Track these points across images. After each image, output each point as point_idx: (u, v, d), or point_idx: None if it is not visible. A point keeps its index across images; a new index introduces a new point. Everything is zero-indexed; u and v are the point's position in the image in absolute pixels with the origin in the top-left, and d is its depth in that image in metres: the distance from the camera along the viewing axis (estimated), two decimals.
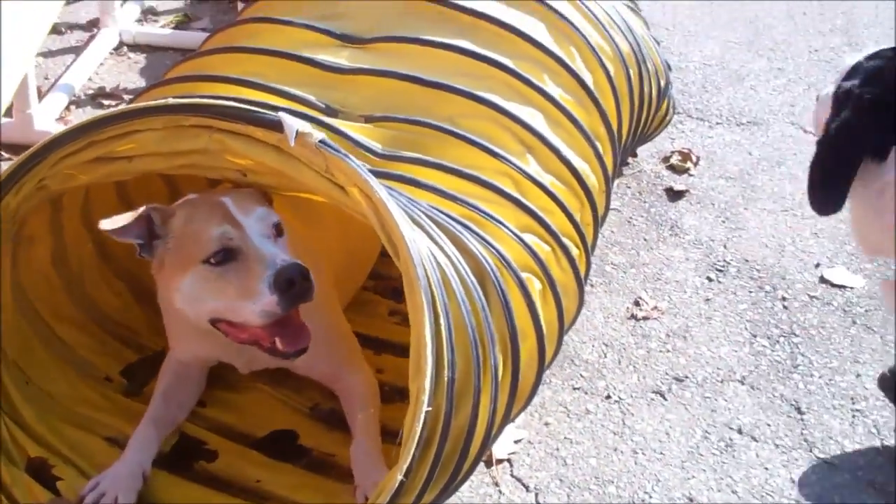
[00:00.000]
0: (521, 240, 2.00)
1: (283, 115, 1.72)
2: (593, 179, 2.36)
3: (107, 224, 1.88)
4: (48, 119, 3.25)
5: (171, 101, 1.81)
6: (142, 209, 1.91)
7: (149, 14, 4.12)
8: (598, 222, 2.40)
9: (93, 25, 3.95)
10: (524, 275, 1.96)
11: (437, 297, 1.68)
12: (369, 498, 1.73)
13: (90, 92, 3.54)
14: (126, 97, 3.48)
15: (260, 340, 1.88)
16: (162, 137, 1.83)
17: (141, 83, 3.62)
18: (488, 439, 1.86)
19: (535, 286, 2.00)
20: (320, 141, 1.71)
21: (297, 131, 1.70)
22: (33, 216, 2.09)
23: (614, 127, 2.51)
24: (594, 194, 2.33)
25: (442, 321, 1.67)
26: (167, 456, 2.07)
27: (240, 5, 3.25)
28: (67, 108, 3.40)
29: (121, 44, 3.86)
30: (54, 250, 2.25)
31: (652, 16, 4.16)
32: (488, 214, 1.98)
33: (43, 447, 2.02)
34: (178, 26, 4.06)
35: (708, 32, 4.24)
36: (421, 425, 1.62)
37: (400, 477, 1.61)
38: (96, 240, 2.35)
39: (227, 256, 1.84)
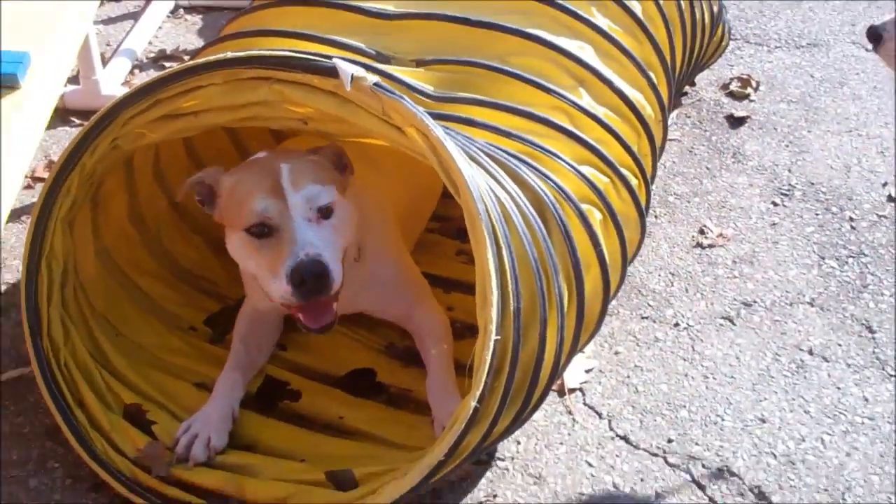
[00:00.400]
0: (579, 171, 2.02)
1: (337, 61, 1.76)
2: (648, 110, 2.36)
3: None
4: (114, 83, 3.32)
5: (229, 55, 1.86)
6: (195, 177, 1.98)
7: None
8: (655, 152, 2.41)
9: None
10: (584, 206, 1.99)
11: (499, 230, 1.72)
12: (445, 427, 1.78)
13: (151, 55, 3.60)
14: (186, 58, 3.53)
15: (289, 312, 1.94)
16: (224, 91, 1.89)
17: (199, 43, 3.68)
18: (557, 367, 1.90)
19: (596, 217, 2.02)
20: (375, 84, 1.75)
21: (351, 76, 1.75)
22: (109, 177, 2.17)
23: (667, 56, 2.50)
24: (650, 124, 2.34)
25: (504, 253, 1.71)
26: (254, 397, 2.16)
27: None
28: (131, 71, 3.48)
29: (177, 7, 3.91)
30: (130, 208, 2.34)
31: None
32: (544, 148, 2.00)
33: (137, 394, 2.12)
34: None
35: None
36: (490, 354, 1.67)
37: (474, 404, 1.67)
38: (170, 197, 2.42)
39: (264, 231, 1.88)
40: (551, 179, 1.95)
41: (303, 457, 2.01)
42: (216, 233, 2.36)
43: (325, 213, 1.91)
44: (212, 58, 1.86)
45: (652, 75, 2.39)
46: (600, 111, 2.19)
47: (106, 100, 3.10)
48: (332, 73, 1.76)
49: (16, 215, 2.75)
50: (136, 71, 3.50)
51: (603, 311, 2.06)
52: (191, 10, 3.89)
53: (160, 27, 3.76)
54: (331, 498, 1.87)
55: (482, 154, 1.87)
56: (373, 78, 1.75)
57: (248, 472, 1.96)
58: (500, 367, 1.72)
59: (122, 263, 2.32)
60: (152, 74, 3.44)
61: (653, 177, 2.44)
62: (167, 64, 3.51)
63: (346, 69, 1.75)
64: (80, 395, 2.05)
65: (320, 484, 1.90)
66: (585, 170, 2.05)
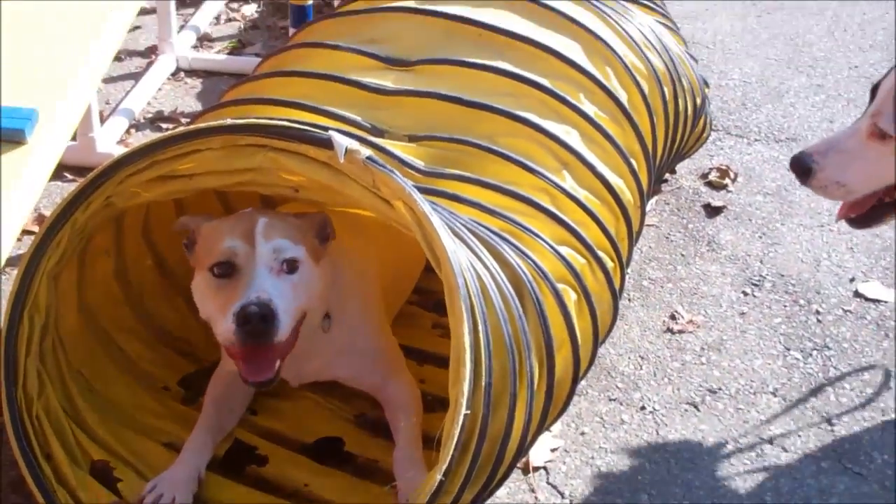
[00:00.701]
0: (557, 252, 2.10)
1: (332, 134, 1.85)
2: (628, 195, 2.45)
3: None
4: (110, 142, 3.40)
5: (228, 121, 1.94)
6: (183, 219, 2.07)
7: (204, 41, 4.27)
8: (632, 237, 2.49)
9: (151, 52, 4.11)
10: (560, 286, 2.06)
11: (476, 306, 1.79)
12: (409, 499, 1.83)
13: (149, 116, 3.69)
14: (183, 120, 3.63)
15: (234, 359, 1.98)
16: (220, 156, 1.96)
17: (197, 107, 3.77)
18: (524, 443, 1.96)
19: (571, 297, 2.10)
20: (367, 157, 1.83)
21: (346, 148, 1.83)
22: (99, 233, 2.23)
23: (649, 144, 2.59)
24: (629, 209, 2.42)
25: (480, 329, 1.77)
26: (221, 460, 2.20)
27: (290, 31, 3.38)
28: (128, 131, 3.56)
29: (178, 69, 4.01)
30: (117, 266, 2.40)
31: (693, 34, 4.27)
32: (526, 227, 2.08)
33: (106, 451, 2.15)
34: (232, 52, 4.21)
35: (748, 50, 4.31)
36: (459, 428, 1.72)
37: (439, 477, 1.72)
38: (156, 257, 2.49)
39: (226, 271, 1.95)
40: (530, 258, 2.03)
41: None
42: None
43: (290, 267, 1.97)
44: (211, 123, 1.94)
45: (633, 162, 2.48)
46: (581, 194, 2.27)
47: (101, 157, 3.20)
48: (327, 144, 1.84)
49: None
50: (133, 130, 3.58)
51: (572, 391, 2.13)
52: (191, 73, 3.99)
53: (160, 88, 3.86)
54: None
55: (465, 230, 1.95)
56: (366, 152, 1.83)
57: None
58: (468, 440, 1.77)
59: (103, 320, 2.37)
60: (148, 134, 3.56)
61: (628, 260, 2.52)
62: (164, 125, 3.61)
63: (341, 142, 1.83)
64: (48, 448, 2.08)
65: None
66: (564, 250, 2.13)
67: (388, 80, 2.29)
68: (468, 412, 1.74)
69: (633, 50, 2.65)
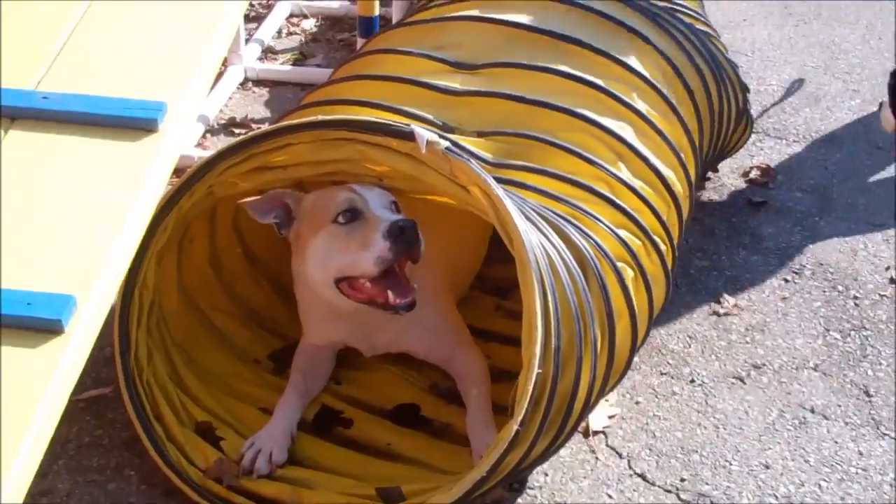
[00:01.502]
0: (616, 234, 2.30)
1: (415, 127, 2.06)
2: (678, 186, 2.63)
3: (248, 202, 2.29)
4: (189, 145, 3.65)
5: (319, 117, 2.17)
6: (274, 191, 2.31)
7: (269, 53, 4.52)
8: (682, 223, 2.68)
9: (221, 64, 4.36)
10: (619, 264, 2.26)
11: (546, 278, 1.99)
12: (487, 451, 2.04)
13: (222, 122, 3.94)
14: (254, 126, 3.87)
15: (374, 297, 2.22)
16: (311, 149, 2.19)
17: (266, 114, 4.01)
18: (588, 402, 2.17)
19: (629, 274, 2.30)
20: (446, 148, 2.04)
21: (427, 140, 2.04)
22: (195, 222, 2.46)
23: (696, 139, 2.79)
24: (679, 199, 2.61)
25: (550, 298, 1.98)
26: (310, 423, 2.42)
27: (358, 41, 3.61)
28: (204, 135, 3.81)
29: (246, 79, 4.26)
30: (210, 253, 2.63)
31: (732, 44, 4.46)
32: (586, 211, 2.28)
33: (208, 413, 2.39)
34: (296, 63, 4.45)
35: (786, 58, 4.50)
36: (532, 385, 1.93)
37: (516, 427, 1.93)
38: (244, 247, 2.73)
39: (352, 216, 2.21)
40: (592, 238, 2.23)
41: (354, 475, 2.26)
42: (282, 279, 2.69)
43: (396, 207, 2.26)
44: (303, 120, 2.17)
45: (682, 155, 2.67)
46: (636, 184, 2.46)
47: (182, 159, 3.44)
48: (410, 137, 2.06)
49: None
50: (208, 135, 3.83)
51: (630, 358, 2.33)
52: (258, 83, 4.24)
53: (230, 97, 4.11)
54: None
55: (534, 213, 2.16)
56: (444, 143, 2.05)
57: (305, 485, 2.21)
58: (540, 397, 1.99)
59: (200, 301, 2.60)
60: (223, 139, 3.81)
61: (679, 245, 2.71)
62: (236, 130, 3.85)
63: (423, 134, 2.05)
64: (158, 410, 2.32)
65: (371, 498, 2.15)
66: (622, 233, 2.33)
67: (456, 82, 2.47)
68: (540, 371, 1.95)
69: (680, 53, 2.84)
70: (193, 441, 2.30)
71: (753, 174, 3.62)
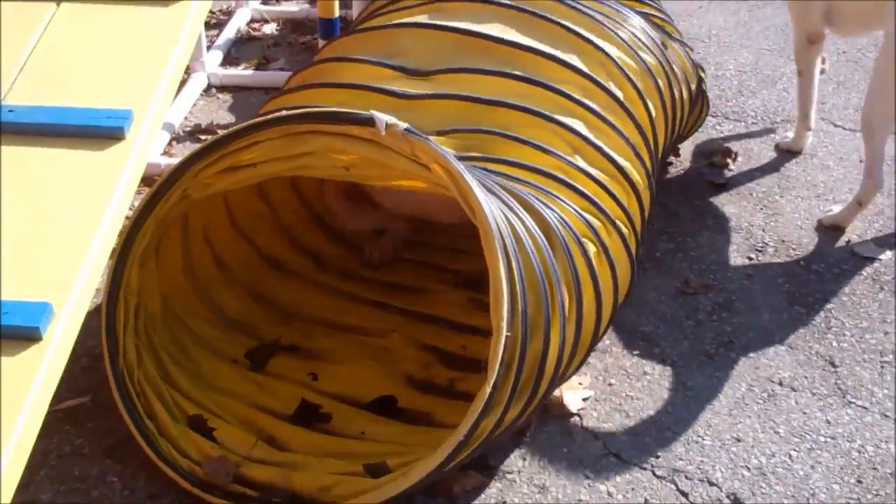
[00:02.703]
0: (578, 212, 2.35)
1: (374, 112, 2.12)
2: (636, 175, 2.66)
3: None
4: (155, 153, 3.67)
5: (284, 112, 2.21)
6: None
7: (231, 59, 4.55)
8: (644, 213, 2.72)
9: (184, 71, 4.37)
10: (582, 239, 2.32)
11: (509, 243, 2.06)
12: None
13: (188, 129, 3.96)
14: (219, 132, 3.86)
15: None
16: (280, 144, 2.24)
17: (231, 119, 4.04)
18: (559, 367, 2.22)
19: (591, 248, 2.34)
20: (405, 129, 2.11)
21: (386, 123, 2.10)
22: (168, 230, 2.49)
23: (648, 134, 2.80)
24: (639, 188, 2.64)
25: (513, 263, 2.04)
26: (290, 417, 2.46)
27: (320, 42, 3.63)
28: (170, 143, 3.83)
29: (209, 86, 4.28)
30: (184, 261, 2.67)
31: (689, 31, 4.54)
32: (549, 192, 2.34)
33: (199, 407, 2.43)
34: (259, 67, 4.48)
35: (742, 42, 4.58)
36: (502, 348, 2.00)
37: (489, 389, 1.99)
38: (215, 254, 2.78)
39: None
40: (556, 212, 2.29)
41: (339, 457, 2.31)
42: (254, 285, 2.81)
43: None
44: (270, 116, 2.21)
45: (637, 148, 2.71)
46: (594, 172, 2.52)
47: (148, 167, 3.46)
48: (370, 122, 2.12)
49: None
50: (174, 143, 3.85)
51: (596, 331, 2.39)
52: (222, 89, 4.26)
53: (195, 104, 4.13)
54: (368, 484, 2.16)
55: (496, 186, 2.21)
56: (403, 124, 2.11)
57: (294, 468, 2.26)
58: (511, 360, 2.04)
59: (175, 307, 2.63)
60: (189, 146, 3.83)
61: (642, 234, 2.76)
62: (202, 137, 3.87)
63: (382, 118, 2.11)
64: (150, 408, 2.36)
65: (358, 474, 2.20)
66: (583, 214, 2.38)
67: (410, 87, 2.52)
68: (509, 334, 2.01)
69: (625, 52, 2.85)
70: (187, 435, 2.34)
71: (714, 157, 3.68)
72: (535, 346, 2.11)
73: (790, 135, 3.75)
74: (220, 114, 4.08)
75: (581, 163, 2.50)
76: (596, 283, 2.31)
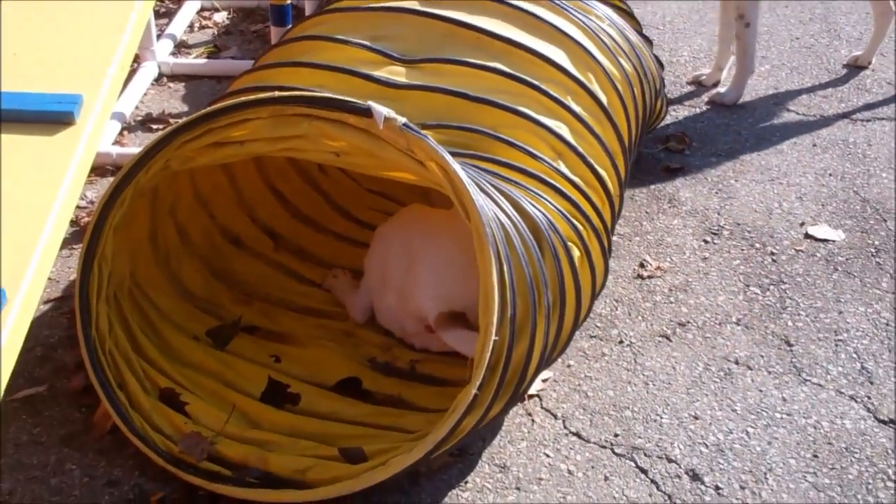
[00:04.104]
0: (564, 215, 2.34)
1: (372, 104, 2.09)
2: (611, 185, 2.66)
3: None
4: (105, 143, 3.63)
5: (277, 93, 2.18)
6: None
7: (181, 47, 4.50)
8: (615, 220, 2.74)
9: (134, 61, 4.33)
10: (568, 243, 2.32)
11: (501, 249, 2.05)
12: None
13: (139, 118, 3.91)
14: (172, 121, 3.85)
15: None
16: (269, 125, 2.20)
17: (183, 108, 4.00)
18: (541, 365, 2.24)
19: (576, 253, 2.34)
20: (403, 124, 2.08)
21: (384, 116, 2.08)
22: (137, 200, 2.43)
23: (626, 142, 2.82)
24: (613, 197, 2.65)
25: (505, 269, 2.04)
26: (259, 398, 2.44)
27: (273, 31, 3.61)
28: (121, 133, 3.79)
29: (160, 75, 4.24)
30: (150, 230, 2.64)
31: (644, 17, 4.56)
32: (537, 194, 2.32)
33: (169, 380, 2.42)
34: (210, 56, 4.44)
35: (696, 29, 4.62)
36: (489, 352, 1.99)
37: (474, 391, 1.99)
38: (178, 226, 2.74)
39: None
40: (544, 214, 2.28)
41: (314, 437, 2.31)
42: (216, 261, 2.78)
43: None
44: (263, 96, 2.18)
45: (614, 158, 2.69)
46: (575, 180, 2.50)
47: (100, 157, 3.43)
48: (367, 113, 2.09)
49: None
50: (126, 132, 3.81)
51: (573, 332, 2.41)
52: (173, 78, 4.22)
53: (146, 93, 4.09)
54: (344, 470, 2.15)
55: (489, 185, 2.20)
56: (401, 119, 2.08)
57: (269, 448, 2.26)
58: (496, 363, 2.04)
59: (139, 278, 2.60)
60: (140, 135, 3.79)
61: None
62: (154, 126, 3.83)
63: (381, 111, 2.08)
64: (122, 378, 2.35)
65: (333, 458, 2.20)
66: (569, 216, 2.39)
67: (395, 75, 2.46)
68: (496, 339, 2.01)
69: (608, 57, 2.85)
70: (159, 408, 2.33)
71: (670, 142, 3.71)
72: (521, 348, 2.11)
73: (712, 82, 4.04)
74: (171, 103, 4.04)
75: (563, 168, 2.48)
76: (578, 287, 2.32)
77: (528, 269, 2.14)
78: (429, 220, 2.66)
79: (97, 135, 2.06)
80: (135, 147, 3.63)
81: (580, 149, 2.54)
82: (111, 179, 2.30)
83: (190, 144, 2.25)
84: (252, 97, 2.20)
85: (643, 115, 3.10)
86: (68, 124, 2.00)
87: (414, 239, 2.58)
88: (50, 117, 2.01)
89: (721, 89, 3.99)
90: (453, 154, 2.26)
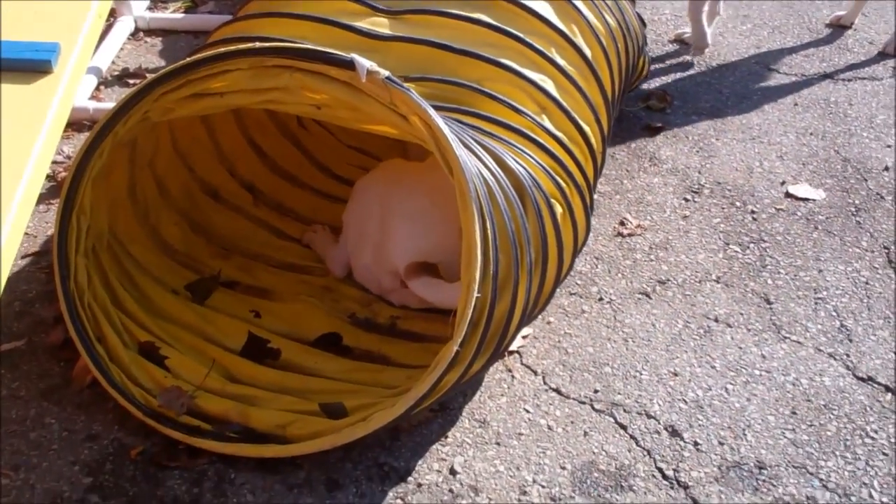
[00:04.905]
0: (547, 171, 2.33)
1: (355, 56, 2.06)
2: (594, 141, 2.64)
3: None
4: (82, 97, 3.58)
5: (258, 44, 2.13)
6: None
7: (158, 2, 4.45)
8: (598, 176, 2.72)
9: (110, 15, 4.27)
10: (551, 200, 2.30)
11: (485, 205, 2.03)
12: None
13: (116, 73, 3.87)
14: (148, 76, 3.78)
15: None
16: (249, 76, 2.16)
17: (160, 63, 3.95)
18: (523, 322, 2.24)
19: (558, 210, 2.33)
20: (387, 77, 2.04)
21: (367, 69, 2.04)
22: (116, 150, 2.39)
23: (609, 97, 2.82)
24: (596, 153, 2.63)
25: (489, 224, 2.02)
26: (239, 353, 2.44)
27: None
28: (97, 87, 3.74)
29: (137, 30, 4.19)
30: (129, 182, 2.61)
31: None
32: (520, 149, 2.30)
33: (149, 333, 2.41)
34: (187, 11, 4.39)
35: None
36: (471, 309, 1.99)
37: (455, 348, 1.99)
38: (157, 179, 2.71)
39: None
40: (527, 170, 2.27)
41: (295, 392, 2.30)
42: (194, 215, 2.76)
43: None
44: (243, 46, 2.13)
45: (598, 112, 2.67)
46: (559, 135, 2.49)
47: (76, 112, 3.40)
48: (350, 65, 2.05)
49: None
50: (102, 87, 3.76)
51: (554, 289, 2.40)
52: (150, 32, 4.17)
53: (122, 48, 4.04)
54: (325, 426, 2.15)
55: (473, 141, 2.18)
56: (384, 72, 2.04)
57: (250, 403, 2.25)
58: (478, 320, 2.03)
59: (117, 230, 2.58)
60: (118, 90, 3.75)
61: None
62: (131, 81, 3.79)
63: (364, 63, 2.04)
64: (101, 331, 2.33)
65: (315, 414, 2.20)
66: (552, 173, 2.37)
67: (378, 26, 2.43)
68: (479, 295, 2.00)
69: (592, 11, 2.81)
70: (138, 362, 2.32)
71: (651, 100, 3.70)
72: (503, 305, 2.10)
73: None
74: (148, 58, 3.99)
75: (547, 123, 2.46)
76: (560, 244, 2.31)
77: (510, 225, 2.12)
78: (405, 174, 2.65)
79: (74, 84, 2.03)
80: (111, 102, 3.59)
81: (564, 104, 2.52)
82: (87, 134, 2.27)
83: (169, 96, 2.21)
84: (232, 48, 2.15)
85: (626, 71, 3.09)
86: (45, 73, 1.98)
87: (391, 193, 2.57)
88: (27, 66, 1.99)
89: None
90: (436, 108, 2.23)
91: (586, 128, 2.59)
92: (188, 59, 2.18)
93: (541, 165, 2.34)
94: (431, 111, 2.05)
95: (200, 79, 2.19)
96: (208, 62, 2.15)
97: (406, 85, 2.16)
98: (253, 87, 2.18)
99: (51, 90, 1.97)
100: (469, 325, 2.00)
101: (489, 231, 2.02)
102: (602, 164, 2.79)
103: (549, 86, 2.52)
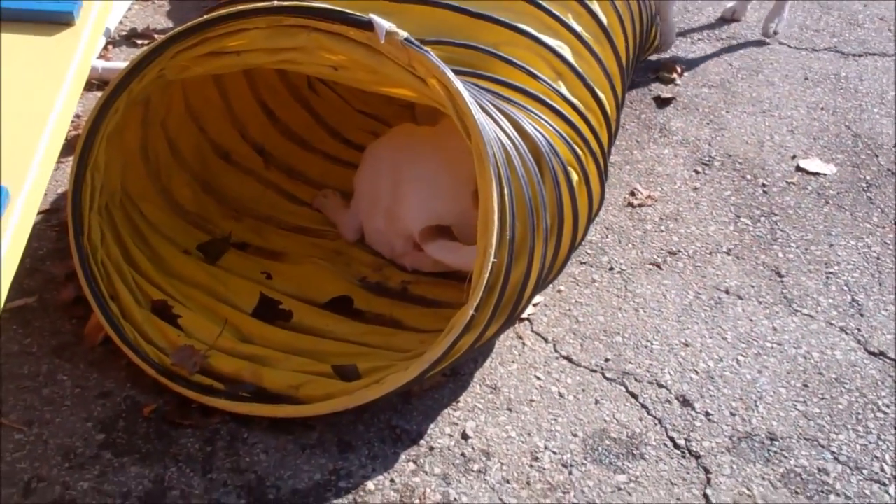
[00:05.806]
0: (564, 137, 2.32)
1: (374, 17, 2.03)
2: (608, 108, 2.62)
3: None
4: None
5: (275, 3, 2.10)
6: None
7: None
8: (612, 143, 2.71)
9: None
10: (567, 167, 2.30)
11: (502, 170, 2.02)
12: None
13: (124, 33, 3.84)
14: (156, 36, 3.78)
15: None
16: (266, 35, 2.13)
17: (168, 24, 3.93)
18: (537, 288, 2.24)
19: (574, 177, 2.33)
20: (405, 39, 2.02)
21: (386, 30, 2.02)
22: (129, 109, 2.37)
23: (624, 63, 2.80)
24: (611, 120, 2.62)
25: (506, 191, 2.01)
26: (251, 314, 2.43)
27: None
28: (106, 47, 3.71)
29: None
30: (141, 141, 2.60)
31: None
32: (537, 115, 2.29)
33: (161, 292, 2.40)
34: None
35: None
36: (487, 273, 1.98)
37: (471, 312, 1.98)
38: (169, 140, 2.70)
39: None
40: (544, 136, 2.26)
41: (307, 353, 2.30)
42: (206, 176, 2.75)
43: None
44: (261, 5, 2.10)
45: (612, 79, 2.68)
46: (575, 101, 2.48)
47: None
48: (368, 26, 2.02)
49: None
50: (111, 46, 3.73)
51: (568, 256, 2.40)
52: None
53: (130, 9, 4.01)
54: (338, 387, 2.15)
55: (491, 105, 2.16)
56: (403, 33, 2.01)
57: (262, 363, 2.25)
58: (494, 285, 2.03)
59: (129, 188, 2.57)
60: (126, 50, 3.72)
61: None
62: (139, 41, 3.76)
63: (382, 24, 2.01)
64: (114, 289, 2.33)
65: (328, 375, 2.20)
66: (568, 139, 2.36)
67: None
68: (495, 260, 2.00)
69: None
70: (151, 320, 2.32)
71: (661, 71, 3.68)
72: (519, 270, 2.10)
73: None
74: (156, 18, 3.96)
75: (563, 89, 2.44)
76: (576, 211, 2.30)
77: (527, 191, 2.12)
78: (417, 138, 2.65)
79: (96, 37, 2.02)
80: (120, 62, 3.56)
81: (580, 70, 2.50)
82: (97, 94, 2.26)
83: (185, 53, 2.19)
84: (250, 6, 2.13)
85: (640, 38, 3.07)
86: (68, 25, 1.96)
87: (402, 158, 2.56)
88: (50, 17, 1.97)
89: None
90: (455, 71, 2.23)
91: (601, 95, 2.58)
92: (205, 16, 2.16)
93: (557, 131, 2.33)
94: (450, 73, 2.03)
95: (217, 37, 2.16)
96: (225, 20, 2.13)
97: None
98: (270, 47, 2.16)
99: (73, 42, 1.95)
100: (485, 289, 2.00)
101: (506, 196, 2.02)
102: (616, 131, 2.78)
103: (566, 52, 2.50)
